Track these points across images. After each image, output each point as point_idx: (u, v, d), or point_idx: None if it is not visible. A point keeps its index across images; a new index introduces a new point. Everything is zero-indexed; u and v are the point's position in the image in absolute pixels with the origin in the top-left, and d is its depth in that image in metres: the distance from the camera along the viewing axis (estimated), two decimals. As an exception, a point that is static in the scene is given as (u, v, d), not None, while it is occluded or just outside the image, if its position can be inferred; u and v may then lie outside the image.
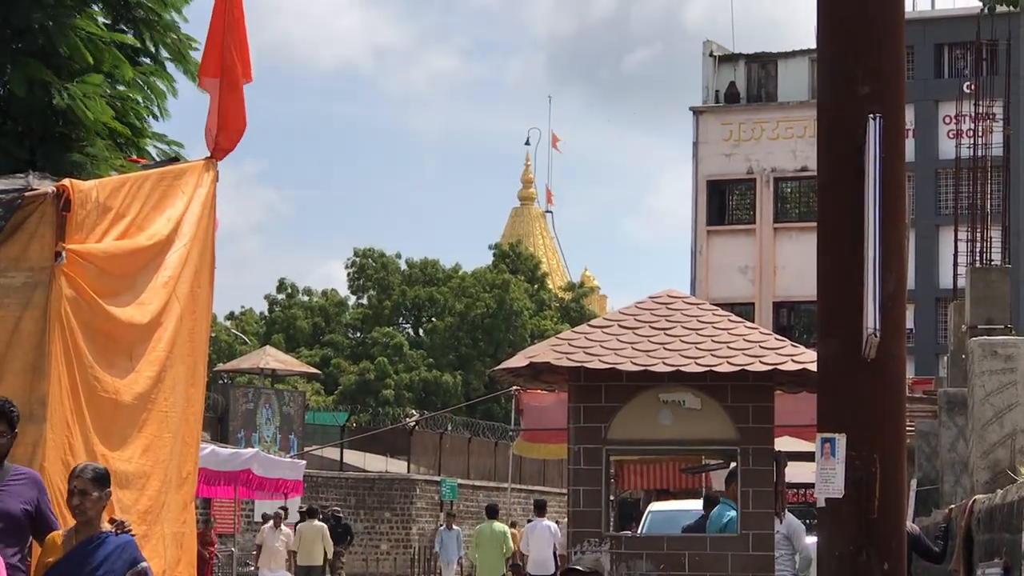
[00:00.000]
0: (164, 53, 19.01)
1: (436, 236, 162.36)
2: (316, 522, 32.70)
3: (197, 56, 18.16)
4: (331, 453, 48.54)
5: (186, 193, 10.79)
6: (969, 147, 34.10)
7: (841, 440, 8.01)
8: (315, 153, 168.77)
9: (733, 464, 13.35)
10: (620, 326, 13.22)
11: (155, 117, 19.07)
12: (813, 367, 10.15)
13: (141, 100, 18.92)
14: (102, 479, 8.54)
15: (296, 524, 33.31)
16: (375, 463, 51.49)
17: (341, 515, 38.06)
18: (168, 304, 10.38)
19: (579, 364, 12.78)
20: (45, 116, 17.69)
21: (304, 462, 35.26)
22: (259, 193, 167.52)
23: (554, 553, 28.04)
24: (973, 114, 34.34)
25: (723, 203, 61.51)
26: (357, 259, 78.13)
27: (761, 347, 12.90)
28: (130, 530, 8.72)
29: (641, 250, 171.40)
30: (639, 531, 21.13)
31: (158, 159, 17.75)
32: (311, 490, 41.83)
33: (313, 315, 76.88)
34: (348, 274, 78.56)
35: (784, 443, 15.55)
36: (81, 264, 9.49)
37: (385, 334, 73.07)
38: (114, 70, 18.15)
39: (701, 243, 60.51)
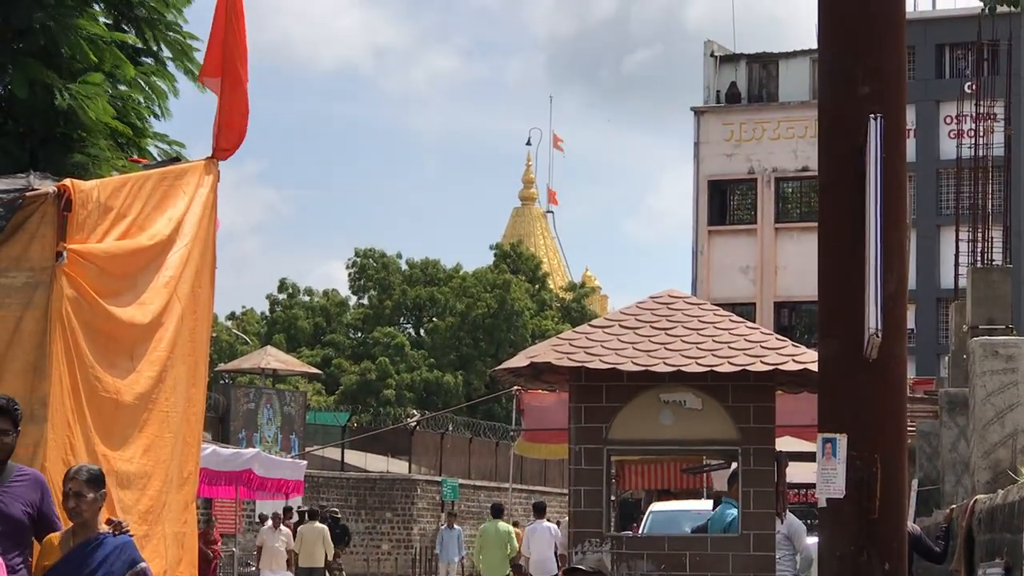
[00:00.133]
0: (166, 52, 19.01)
1: (437, 236, 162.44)
2: (317, 524, 32.70)
3: (199, 55, 18.19)
4: (332, 453, 48.54)
5: (187, 193, 10.79)
6: (970, 147, 34.08)
7: (842, 440, 8.01)
8: (316, 153, 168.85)
9: (734, 464, 13.35)
10: (621, 326, 13.22)
11: (156, 117, 19.09)
12: (814, 367, 10.15)
13: (142, 100, 18.92)
14: (97, 480, 8.53)
15: (295, 524, 33.32)
16: (376, 463, 51.49)
17: (339, 516, 38.04)
18: (169, 304, 10.38)
19: (580, 364, 12.78)
20: (46, 116, 17.69)
21: (305, 462, 35.27)
22: (260, 193, 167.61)
23: (555, 554, 28.05)
24: (974, 114, 34.31)
25: (724, 203, 61.51)
26: (358, 259, 78.15)
27: (762, 347, 12.90)
28: (127, 531, 8.71)
29: (642, 250, 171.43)
30: (640, 531, 21.14)
31: (159, 159, 17.75)
32: (312, 490, 41.84)
33: (314, 315, 76.90)
34: (349, 274, 78.65)
35: (785, 443, 15.55)
36: (82, 264, 9.49)
37: (386, 334, 73.08)
38: (115, 70, 18.15)
39: (702, 243, 60.52)
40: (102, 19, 18.67)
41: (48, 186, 9.52)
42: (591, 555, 12.11)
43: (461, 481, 49.95)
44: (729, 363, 12.69)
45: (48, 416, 9.17)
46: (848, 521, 8.00)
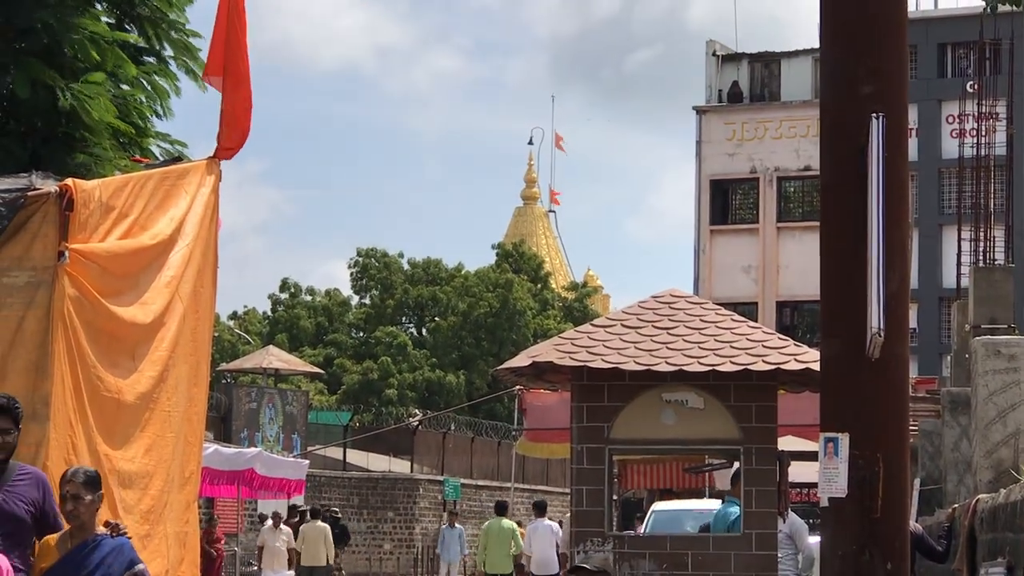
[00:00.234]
0: (168, 51, 18.99)
1: (439, 236, 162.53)
2: (319, 522, 32.70)
3: (202, 53, 18.19)
4: (334, 453, 48.55)
5: (189, 193, 10.78)
6: (972, 146, 34.09)
7: (844, 439, 8.01)
8: (318, 153, 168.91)
9: (736, 464, 13.35)
10: (623, 325, 13.22)
11: (158, 116, 19.05)
12: (816, 366, 10.15)
13: (144, 99, 18.90)
14: (94, 482, 8.52)
15: (296, 523, 33.32)
16: (378, 463, 51.50)
17: (339, 516, 38.05)
18: (171, 304, 10.38)
19: (582, 363, 12.78)
20: (48, 116, 17.67)
21: (307, 462, 35.25)
22: (262, 193, 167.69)
23: (556, 552, 28.06)
24: (976, 113, 34.33)
25: (726, 202, 61.52)
26: (360, 259, 78.15)
27: (764, 346, 12.90)
28: (125, 532, 8.71)
29: (644, 250, 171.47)
30: (642, 531, 21.13)
31: (161, 159, 17.74)
32: (314, 490, 41.85)
33: (316, 315, 76.91)
34: (351, 274, 78.65)
35: (787, 442, 15.56)
36: (84, 264, 9.49)
37: (388, 334, 73.08)
38: (117, 70, 18.14)
39: (704, 242, 60.52)
40: (104, 18, 18.65)
41: (50, 186, 9.51)
42: (595, 555, 12.12)
43: (463, 481, 49.95)
44: (731, 362, 12.70)
45: (50, 415, 9.16)
46: (850, 520, 8.00)
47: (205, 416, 11.22)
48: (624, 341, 12.99)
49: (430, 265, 77.51)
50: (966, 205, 35.45)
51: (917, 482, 21.67)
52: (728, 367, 12.66)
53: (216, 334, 47.89)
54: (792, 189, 60.79)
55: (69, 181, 9.57)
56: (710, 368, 12.68)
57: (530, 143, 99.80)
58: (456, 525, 36.44)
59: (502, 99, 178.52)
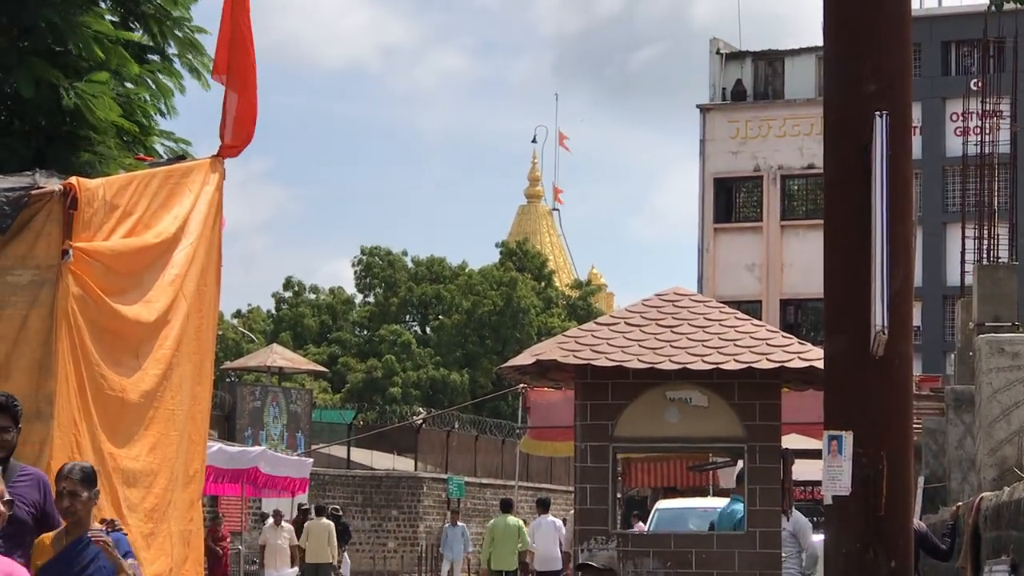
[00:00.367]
0: (172, 49, 19.00)
1: (443, 234, 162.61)
2: (324, 520, 32.69)
3: (209, 48, 18.22)
4: (338, 451, 48.56)
5: (193, 191, 10.78)
6: (976, 144, 34.11)
7: (848, 437, 8.01)
8: (322, 151, 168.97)
9: (740, 462, 13.34)
10: (627, 324, 13.21)
11: (162, 115, 19.07)
12: (820, 364, 10.13)
13: (148, 98, 18.91)
14: (90, 479, 8.51)
15: (299, 521, 33.31)
16: (382, 461, 51.51)
17: (340, 514, 38.07)
18: (175, 302, 10.38)
19: (586, 362, 12.77)
20: (52, 115, 17.68)
21: (311, 460, 35.25)
22: (266, 191, 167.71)
23: (560, 549, 28.07)
24: (980, 111, 34.35)
25: (730, 201, 61.49)
26: (364, 257, 78.16)
27: (768, 344, 12.89)
28: (120, 528, 8.71)
29: (648, 248, 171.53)
30: (647, 528, 21.14)
31: (166, 157, 17.74)
32: (318, 488, 41.84)
33: (320, 313, 76.93)
34: (355, 272, 78.64)
35: (791, 440, 15.55)
36: (88, 262, 9.49)
37: (392, 332, 73.09)
38: (120, 68, 18.14)
39: (708, 241, 60.50)
40: (109, 16, 18.66)
41: (54, 184, 9.52)
42: (601, 553, 12.12)
43: (467, 479, 49.94)
44: (735, 360, 12.69)
45: (54, 414, 9.17)
46: (854, 518, 8.00)
47: (209, 414, 11.23)
48: (628, 339, 12.98)
49: (434, 263, 77.50)
50: (970, 203, 35.46)
51: (921, 480, 21.67)
52: (732, 365, 12.65)
53: (220, 332, 47.87)
54: (796, 187, 60.75)
55: (73, 180, 9.58)
56: (714, 366, 12.67)
57: (534, 141, 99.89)
58: (458, 523, 36.42)
59: (506, 98, 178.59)
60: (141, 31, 18.96)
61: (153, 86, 18.87)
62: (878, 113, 8.01)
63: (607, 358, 12.76)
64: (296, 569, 31.72)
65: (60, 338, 9.25)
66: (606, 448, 12.83)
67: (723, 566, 12.67)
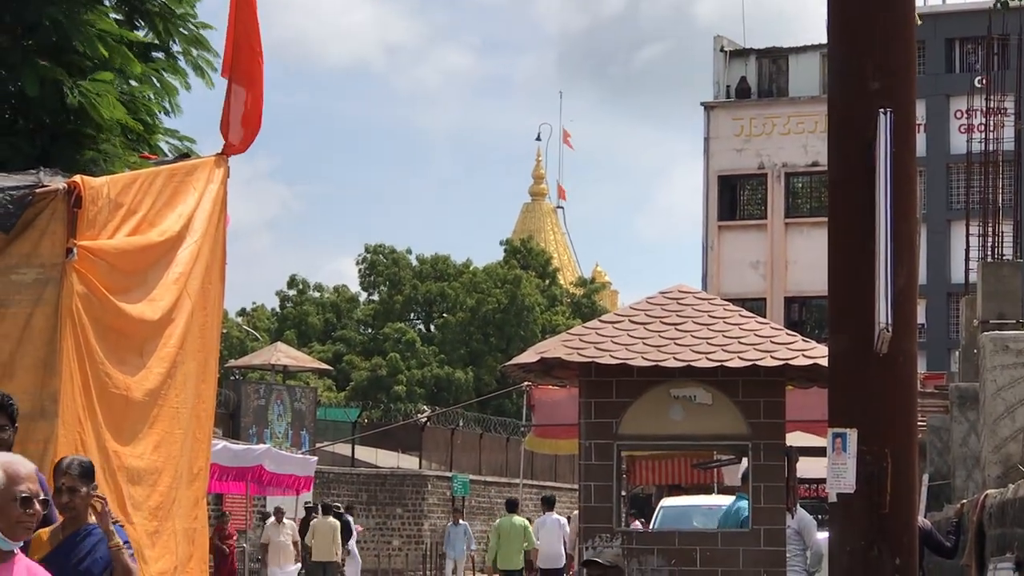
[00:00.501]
0: (176, 47, 18.99)
1: (447, 232, 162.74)
2: (330, 518, 32.71)
3: (215, 45, 18.24)
4: (343, 449, 48.58)
5: (197, 189, 10.78)
6: (980, 142, 34.08)
7: (852, 435, 8.00)
8: (327, 150, 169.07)
9: (745, 460, 13.35)
10: (631, 321, 13.22)
11: (167, 113, 19.06)
12: (824, 362, 10.14)
13: (152, 96, 18.91)
14: (89, 473, 8.50)
15: (302, 519, 33.33)
16: (387, 459, 51.53)
17: (342, 512, 38.10)
18: (179, 300, 10.38)
19: (590, 359, 12.77)
20: (57, 113, 17.68)
21: (315, 458, 35.30)
22: (271, 189, 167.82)
23: (564, 548, 28.11)
24: (984, 109, 34.33)
25: (734, 198, 61.48)
26: (368, 255, 78.18)
27: (772, 342, 12.89)
28: (116, 520, 8.70)
29: (652, 245, 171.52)
30: (651, 526, 21.15)
31: (170, 155, 17.74)
32: (323, 486, 41.85)
33: (324, 311, 76.94)
34: (359, 270, 78.66)
35: (795, 438, 15.55)
36: (92, 260, 9.49)
37: (397, 330, 73.11)
38: (124, 66, 18.15)
39: (712, 238, 60.48)
40: (113, 15, 18.66)
41: (58, 183, 9.51)
42: (606, 550, 12.12)
43: (472, 477, 49.96)
44: (739, 358, 12.69)
45: (59, 412, 9.17)
46: (858, 516, 8.00)
47: (214, 413, 11.22)
48: (632, 337, 12.98)
49: (438, 261, 77.51)
50: (974, 200, 35.45)
51: (925, 478, 21.67)
52: (736, 363, 12.65)
53: (224, 330, 47.77)
54: (800, 185, 60.72)
55: (77, 178, 9.57)
56: (718, 364, 12.67)
57: (538, 139, 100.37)
58: (461, 522, 36.43)
59: (510, 96, 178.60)
60: (146, 28, 18.96)
61: (157, 84, 18.87)
62: (882, 110, 8.00)
63: (611, 356, 12.76)
64: (299, 566, 31.74)
65: (64, 336, 9.25)
66: (610, 446, 12.84)
67: (728, 564, 12.68)
